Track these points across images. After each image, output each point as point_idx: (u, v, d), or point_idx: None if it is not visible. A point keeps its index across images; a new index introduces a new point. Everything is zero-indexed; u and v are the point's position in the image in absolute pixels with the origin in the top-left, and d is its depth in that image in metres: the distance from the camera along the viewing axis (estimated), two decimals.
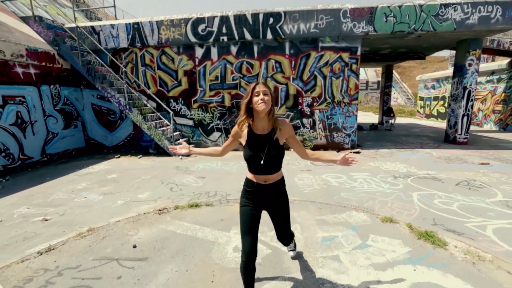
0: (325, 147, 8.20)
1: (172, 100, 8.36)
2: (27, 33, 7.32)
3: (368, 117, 20.45)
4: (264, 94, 1.67)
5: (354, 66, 7.67)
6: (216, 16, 7.50)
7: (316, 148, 8.15)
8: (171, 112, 7.84)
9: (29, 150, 6.62)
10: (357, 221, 3.37)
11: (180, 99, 8.34)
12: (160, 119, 8.14)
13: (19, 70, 6.44)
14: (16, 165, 6.26)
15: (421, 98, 18.93)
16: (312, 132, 8.18)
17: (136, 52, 8.16)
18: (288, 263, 2.53)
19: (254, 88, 1.69)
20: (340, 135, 8.13)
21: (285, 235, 2.11)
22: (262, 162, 1.73)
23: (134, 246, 2.85)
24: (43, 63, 7.03)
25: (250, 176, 1.86)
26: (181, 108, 8.40)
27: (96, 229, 3.25)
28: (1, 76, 6.01)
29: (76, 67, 7.65)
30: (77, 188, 4.97)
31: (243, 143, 1.82)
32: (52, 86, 7.34)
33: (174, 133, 7.98)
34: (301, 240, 2.95)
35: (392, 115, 13.18)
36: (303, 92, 7.92)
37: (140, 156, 7.78)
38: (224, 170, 5.98)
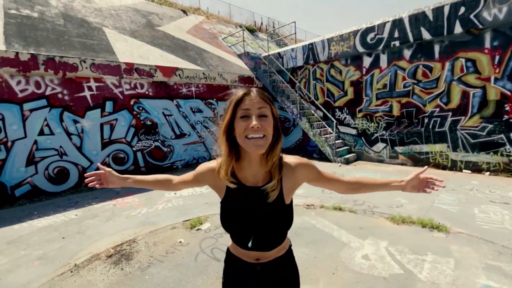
0: None
1: (337, 110, 8.85)
2: (240, 65, 10.51)
3: None
4: (260, 116, 0.92)
5: None
6: (388, 22, 7.15)
7: None
8: (335, 121, 8.33)
9: None
10: None
11: (345, 108, 8.64)
12: (324, 127, 8.86)
13: (233, 91, 9.43)
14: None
15: None
16: None
17: (309, 69, 9.38)
18: None
19: (239, 101, 0.94)
20: None
21: None
22: (250, 243, 1.02)
23: None
24: (246, 85, 9.82)
25: (233, 248, 1.13)
26: (345, 118, 8.69)
27: None
28: (223, 95, 9.11)
29: (266, 85, 10.00)
30: None
31: (220, 196, 1.07)
32: None
33: (336, 141, 8.41)
34: (448, 276, 2.49)
35: None
36: None
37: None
38: None
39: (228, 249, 1.17)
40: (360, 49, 7.82)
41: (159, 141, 7.64)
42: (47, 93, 5.84)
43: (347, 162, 7.99)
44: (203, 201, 4.98)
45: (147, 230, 3.77)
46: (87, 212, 4.68)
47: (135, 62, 7.09)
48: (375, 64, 7.73)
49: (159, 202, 5.05)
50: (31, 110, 5.66)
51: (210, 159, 7.63)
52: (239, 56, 11.06)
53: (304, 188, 5.46)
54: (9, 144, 5.45)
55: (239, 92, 0.95)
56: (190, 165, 8.28)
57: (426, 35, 6.59)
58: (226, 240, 3.34)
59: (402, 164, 7.48)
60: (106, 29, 8.04)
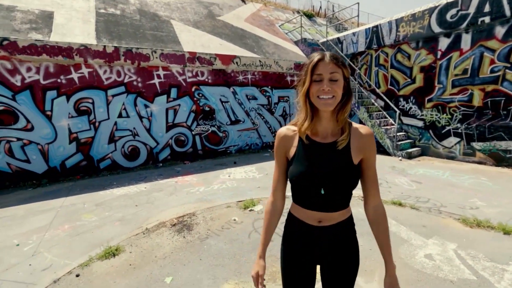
0: None
1: (401, 99, 8.03)
2: (296, 52, 10.27)
3: None
4: (331, 80, 1.01)
5: None
6: None
7: None
8: (398, 112, 7.60)
9: None
10: None
11: (411, 97, 7.79)
12: (385, 118, 8.16)
13: (288, 78, 9.33)
14: None
15: None
16: None
17: (372, 54, 8.65)
18: None
19: (314, 67, 1.02)
20: None
21: None
22: (322, 191, 1.05)
23: None
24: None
25: (295, 211, 1.17)
26: (410, 108, 7.85)
27: None
28: (279, 83, 9.10)
29: None
30: None
31: (290, 155, 1.13)
32: None
33: (398, 133, 7.69)
34: None
35: None
36: None
37: None
38: (449, 181, 5.05)
39: (289, 213, 1.21)
40: (436, 29, 6.86)
41: (216, 126, 8.10)
42: (125, 80, 6.67)
43: (409, 156, 7.26)
44: (255, 185, 5.16)
45: (204, 206, 4.10)
46: (154, 186, 5.29)
47: (197, 51, 7.55)
48: (455, 46, 6.70)
49: (215, 183, 5.40)
50: (113, 96, 6.56)
51: (262, 146, 7.74)
52: (296, 42, 10.81)
53: None
54: (97, 124, 6.45)
55: (315, 57, 1.03)
56: (243, 151, 8.60)
57: None
58: None
59: (480, 162, 6.46)
60: (173, 21, 8.70)
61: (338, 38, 9.54)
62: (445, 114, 7.07)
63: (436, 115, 7.25)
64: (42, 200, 4.73)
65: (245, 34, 9.87)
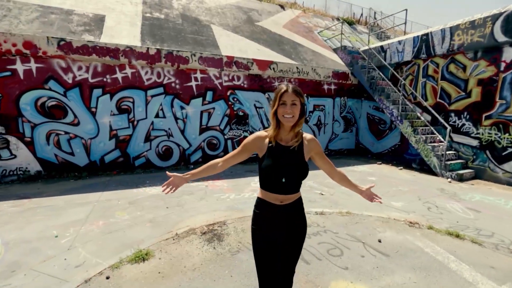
0: None
1: (452, 114, 7.28)
2: (335, 60, 9.89)
3: None
4: (292, 105, 1.46)
5: None
6: None
7: None
8: (449, 128, 6.87)
9: (321, 144, 9.12)
10: None
11: (465, 113, 7.02)
12: (433, 133, 7.44)
13: (325, 87, 8.97)
14: None
15: None
16: None
17: (419, 64, 8.00)
18: None
19: (281, 95, 1.47)
20: None
21: (288, 275, 1.63)
22: (283, 179, 1.49)
23: (379, 241, 3.16)
24: (340, 81, 9.17)
25: (262, 194, 1.60)
26: (463, 124, 7.07)
27: (352, 214, 3.97)
28: (315, 91, 8.78)
29: (362, 82, 9.11)
30: None
31: (261, 154, 1.57)
32: (342, 98, 9.40)
33: (447, 152, 6.95)
34: None
35: None
36: None
37: (401, 168, 7.72)
38: None
39: (258, 198, 1.63)
40: (501, 37, 6.12)
41: (248, 131, 7.98)
42: (164, 82, 6.83)
43: (461, 178, 6.49)
44: None
45: (235, 216, 3.93)
46: (185, 189, 5.25)
47: (235, 56, 7.54)
48: None
49: (246, 191, 5.23)
50: (152, 96, 6.74)
51: None
52: (335, 50, 10.43)
53: (404, 200, 4.72)
54: (135, 123, 6.65)
55: (282, 89, 1.48)
56: None
57: None
58: (313, 242, 3.13)
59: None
60: (213, 26, 8.83)
61: (382, 47, 9.00)
62: (507, 134, 6.23)
63: (496, 134, 6.42)
64: (81, 192, 4.90)
65: (283, 40, 9.73)
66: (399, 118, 7.79)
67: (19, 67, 5.51)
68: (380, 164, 8.20)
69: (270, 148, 1.53)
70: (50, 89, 5.78)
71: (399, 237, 3.32)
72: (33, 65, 5.60)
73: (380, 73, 8.78)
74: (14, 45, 5.37)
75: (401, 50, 8.42)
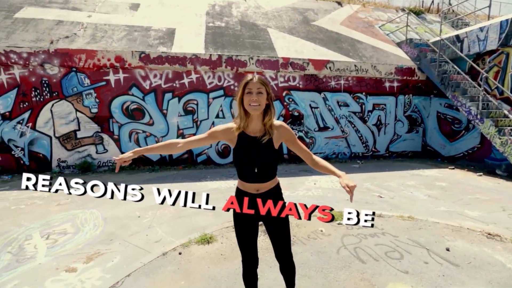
0: None
1: None
2: (399, 54, 9.15)
3: None
4: (258, 93, 1.48)
5: None
6: None
7: None
8: None
9: (379, 145, 8.59)
10: None
11: None
12: None
13: (387, 84, 8.39)
14: (369, 154, 8.50)
15: None
16: None
17: (508, 53, 6.85)
18: None
19: (245, 84, 1.49)
20: None
21: (284, 255, 1.77)
22: (256, 170, 1.57)
23: (447, 249, 2.90)
24: (404, 77, 8.45)
25: (239, 184, 1.69)
26: None
27: (415, 219, 3.70)
28: (375, 89, 8.29)
29: (431, 77, 8.21)
30: (406, 183, 5.71)
31: (233, 146, 1.62)
32: (406, 96, 8.64)
33: None
34: None
35: None
36: None
37: (481, 174, 6.72)
38: None
39: (237, 188, 1.71)
40: None
41: (303, 132, 8.00)
42: (224, 85, 7.38)
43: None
44: (343, 197, 4.79)
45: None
46: None
47: (291, 57, 7.67)
48: None
49: (300, 189, 5.31)
50: (214, 98, 7.36)
51: (350, 156, 7.21)
52: (399, 44, 9.64)
53: (482, 210, 4.17)
54: (198, 123, 7.36)
55: (248, 78, 1.51)
56: (329, 159, 8.19)
57: None
58: (369, 242, 3.06)
59: None
60: (270, 29, 9.12)
61: (457, 36, 7.98)
62: None
63: None
64: (156, 183, 5.69)
65: (340, 37, 9.44)
66: (478, 116, 6.80)
67: (112, 77, 6.69)
68: (453, 169, 7.28)
69: (240, 140, 1.58)
70: (132, 95, 6.85)
71: (473, 248, 2.98)
72: (121, 75, 6.73)
73: (455, 66, 7.78)
74: (108, 59, 6.54)
75: (483, 38, 7.34)
